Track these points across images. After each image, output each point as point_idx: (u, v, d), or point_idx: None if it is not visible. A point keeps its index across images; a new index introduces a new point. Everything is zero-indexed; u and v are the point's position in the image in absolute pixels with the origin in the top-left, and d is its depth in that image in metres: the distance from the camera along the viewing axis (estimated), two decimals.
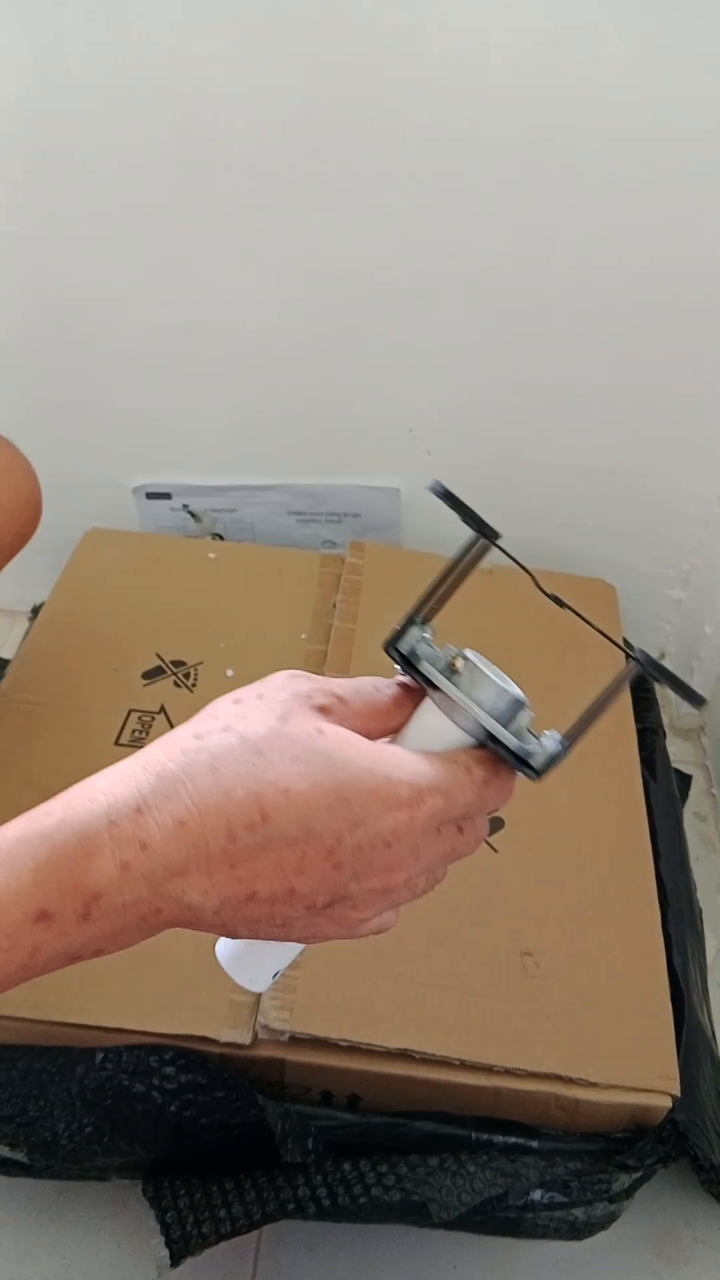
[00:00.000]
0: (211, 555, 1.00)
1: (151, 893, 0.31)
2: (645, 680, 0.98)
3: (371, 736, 0.36)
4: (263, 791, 0.32)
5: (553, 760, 0.36)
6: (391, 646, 0.37)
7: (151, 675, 0.86)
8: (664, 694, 1.15)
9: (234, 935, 0.36)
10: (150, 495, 1.10)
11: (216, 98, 0.83)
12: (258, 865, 0.32)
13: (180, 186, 0.88)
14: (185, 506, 1.11)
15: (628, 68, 0.78)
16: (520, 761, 0.36)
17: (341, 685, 0.37)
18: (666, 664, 1.25)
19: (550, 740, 0.36)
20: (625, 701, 0.87)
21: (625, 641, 0.33)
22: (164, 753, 0.33)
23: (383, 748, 0.35)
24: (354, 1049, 0.62)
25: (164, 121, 0.84)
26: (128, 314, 0.96)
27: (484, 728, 0.35)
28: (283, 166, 0.86)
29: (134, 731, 0.81)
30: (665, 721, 0.98)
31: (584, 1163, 0.64)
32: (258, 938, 0.35)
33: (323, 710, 0.35)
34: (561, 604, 0.38)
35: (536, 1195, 0.64)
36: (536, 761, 0.35)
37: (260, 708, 0.35)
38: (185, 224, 0.91)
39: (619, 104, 0.80)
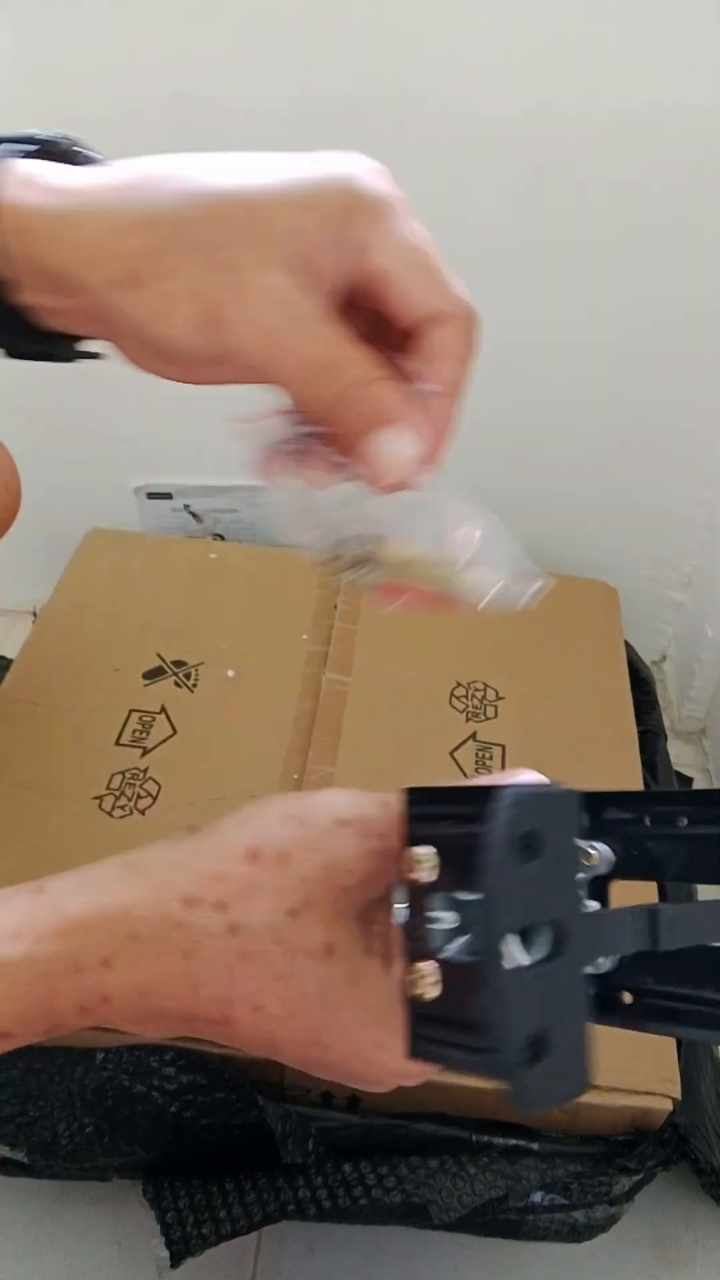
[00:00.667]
0: (213, 555, 1.00)
1: (109, 1026, 0.30)
2: (647, 683, 0.98)
3: None
4: (233, 1000, 0.28)
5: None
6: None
7: (152, 675, 0.86)
8: (665, 697, 1.15)
9: None
10: (151, 495, 1.10)
11: (215, 97, 0.83)
12: (217, 1034, 0.30)
13: None
14: (186, 507, 1.11)
15: (628, 67, 0.78)
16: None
17: (386, 813, 0.29)
18: (667, 666, 1.24)
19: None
20: (627, 704, 0.86)
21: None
22: (147, 910, 0.29)
23: (391, 991, 0.28)
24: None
25: (162, 121, 0.84)
26: None
27: None
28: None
29: (134, 731, 0.81)
30: (667, 724, 0.98)
31: (584, 1165, 0.64)
32: None
33: (360, 886, 0.29)
34: None
35: (537, 1197, 0.64)
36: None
37: (275, 883, 0.28)
38: None
39: (620, 104, 0.80)
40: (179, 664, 0.87)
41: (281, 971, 0.28)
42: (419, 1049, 0.26)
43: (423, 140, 0.83)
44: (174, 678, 0.86)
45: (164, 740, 0.80)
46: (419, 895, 0.26)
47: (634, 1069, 0.63)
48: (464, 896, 0.25)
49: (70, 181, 0.30)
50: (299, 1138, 0.63)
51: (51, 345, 0.33)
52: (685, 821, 0.28)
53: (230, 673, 0.87)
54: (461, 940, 0.25)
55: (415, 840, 0.26)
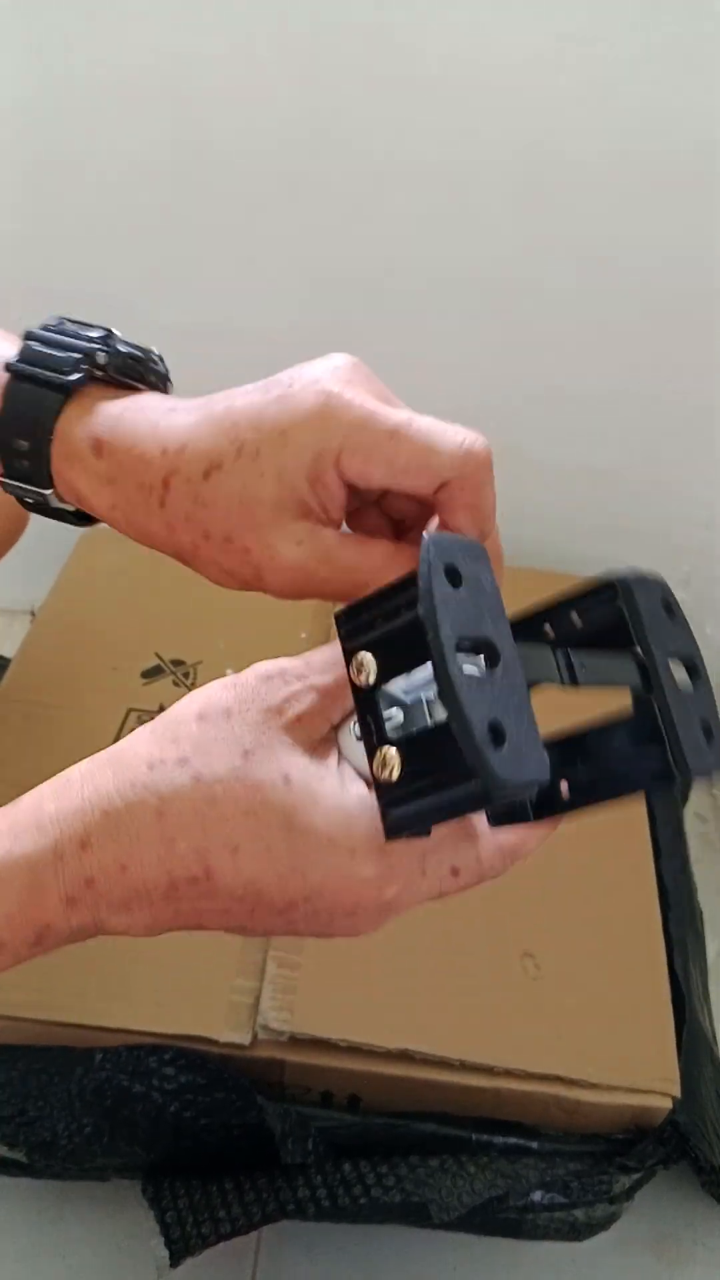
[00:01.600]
0: None
1: (96, 920, 0.31)
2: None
3: None
4: (208, 848, 0.30)
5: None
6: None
7: (151, 674, 0.86)
8: None
9: None
10: None
11: (216, 100, 0.83)
12: (202, 908, 0.31)
13: (180, 189, 0.88)
14: None
15: (627, 72, 0.78)
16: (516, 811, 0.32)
17: (322, 670, 0.33)
18: None
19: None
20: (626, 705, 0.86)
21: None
22: (115, 782, 0.31)
23: (351, 803, 0.31)
24: (354, 1049, 0.62)
25: (164, 124, 0.84)
26: (127, 315, 0.95)
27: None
28: (283, 169, 0.86)
29: (133, 730, 0.81)
30: None
31: (584, 1164, 0.64)
32: None
33: (298, 722, 0.32)
34: None
35: (537, 1196, 0.63)
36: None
37: (226, 734, 0.31)
38: (185, 226, 0.90)
39: (619, 106, 0.80)
40: (177, 663, 0.87)
41: (248, 807, 0.30)
42: (394, 825, 0.29)
43: (423, 140, 0.83)
44: (172, 677, 0.86)
45: None
46: (365, 700, 0.30)
47: (634, 1067, 0.63)
48: (405, 694, 0.30)
49: (119, 475, 0.36)
50: (298, 1137, 0.63)
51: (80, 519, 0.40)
52: (578, 620, 0.34)
53: (229, 672, 0.86)
54: (413, 729, 0.29)
55: (352, 650, 0.30)
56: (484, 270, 0.90)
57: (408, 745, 0.29)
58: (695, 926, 0.81)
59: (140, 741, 0.32)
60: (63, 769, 0.81)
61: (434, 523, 0.36)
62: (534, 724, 0.27)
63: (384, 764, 0.29)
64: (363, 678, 0.29)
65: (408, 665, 0.29)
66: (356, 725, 0.31)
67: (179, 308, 0.95)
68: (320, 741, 0.32)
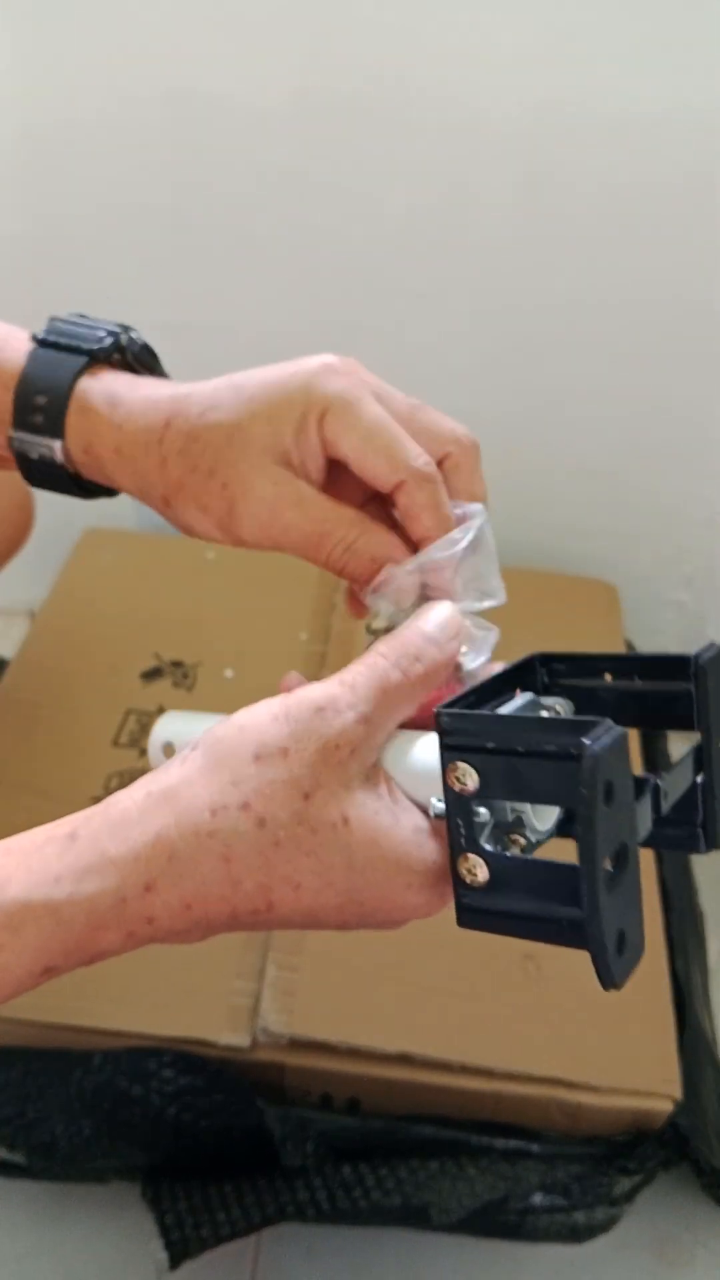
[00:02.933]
0: (210, 555, 1.00)
1: (152, 941, 0.32)
2: None
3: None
4: (271, 885, 0.31)
5: None
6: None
7: (150, 675, 0.86)
8: None
9: None
10: None
11: (216, 98, 0.82)
12: (257, 925, 0.33)
13: (179, 187, 0.88)
14: None
15: (630, 69, 0.78)
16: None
17: (368, 697, 0.33)
18: None
19: None
20: None
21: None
22: (178, 828, 0.31)
23: (407, 837, 0.32)
24: (354, 1052, 0.62)
25: (163, 121, 0.84)
26: (126, 314, 0.96)
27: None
28: (282, 168, 0.86)
29: (132, 732, 0.80)
30: None
31: (585, 1166, 0.64)
32: None
33: (352, 755, 0.32)
34: None
35: (537, 1199, 0.63)
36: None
37: (285, 775, 0.31)
38: (184, 224, 0.90)
39: (621, 101, 0.79)
40: (177, 664, 0.87)
41: (310, 848, 0.31)
42: (470, 920, 0.32)
43: (423, 138, 0.83)
44: (172, 678, 0.86)
45: None
46: (459, 803, 0.31)
47: (635, 1070, 0.63)
48: (505, 803, 0.31)
49: (126, 421, 0.39)
50: (298, 1140, 0.63)
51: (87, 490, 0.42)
52: (639, 680, 0.35)
53: (228, 673, 0.86)
54: (494, 823, 0.31)
55: (455, 757, 0.31)
56: (483, 273, 0.90)
57: (498, 863, 0.30)
58: (696, 928, 0.80)
59: (198, 782, 0.32)
60: (60, 769, 0.80)
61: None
62: (642, 920, 0.30)
63: (471, 870, 0.31)
64: (462, 786, 0.30)
65: (512, 795, 0.30)
66: (415, 767, 0.33)
67: (176, 307, 0.95)
68: (371, 768, 0.33)
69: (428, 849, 0.32)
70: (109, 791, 0.75)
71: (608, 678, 0.36)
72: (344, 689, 0.32)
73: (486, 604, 0.37)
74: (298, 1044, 0.62)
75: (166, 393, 0.39)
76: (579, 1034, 0.64)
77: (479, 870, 0.30)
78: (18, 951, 0.30)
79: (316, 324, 0.95)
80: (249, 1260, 0.71)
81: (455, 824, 0.31)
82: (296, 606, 0.93)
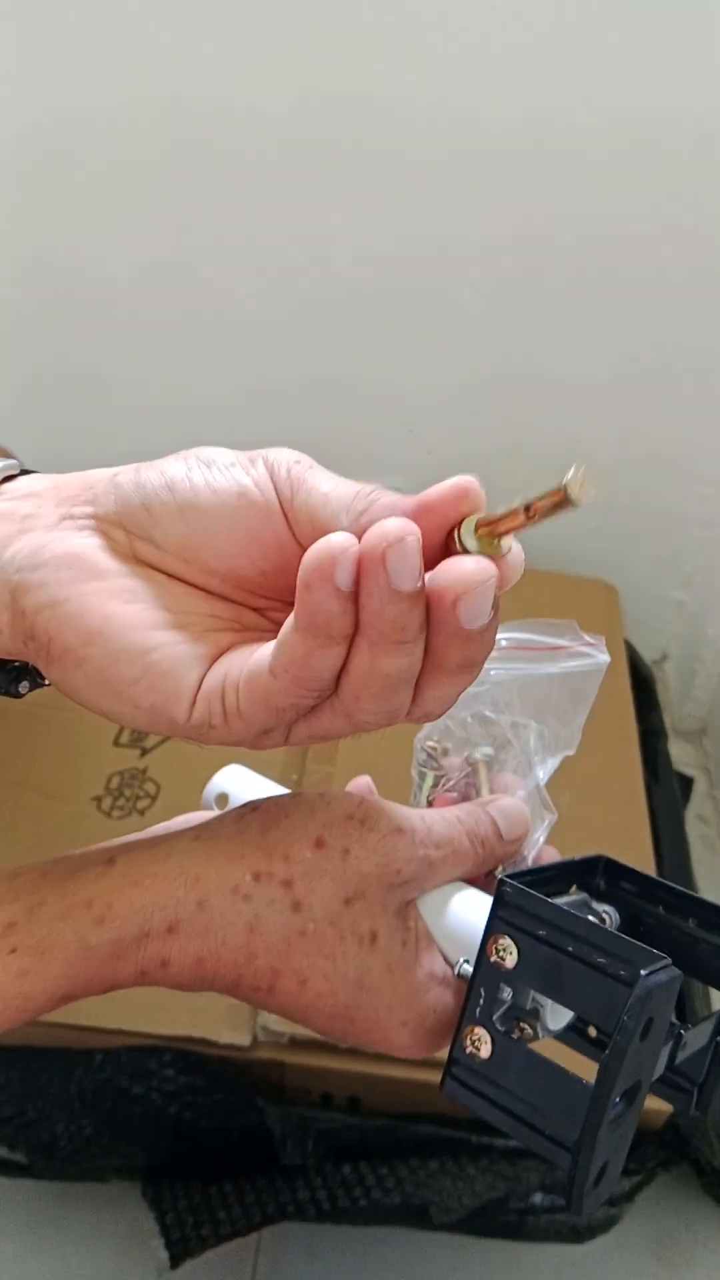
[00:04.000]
0: None
1: (155, 985, 0.33)
2: (648, 682, 0.98)
3: None
4: (282, 972, 0.31)
5: None
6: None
7: None
8: (666, 696, 1.14)
9: None
10: None
11: (216, 98, 0.83)
12: (254, 1001, 0.33)
13: (180, 187, 0.88)
14: None
15: (628, 59, 0.78)
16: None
17: (439, 844, 0.33)
18: (668, 665, 1.23)
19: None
20: (627, 704, 0.86)
21: None
22: (216, 880, 0.31)
23: (420, 980, 0.32)
24: (354, 1051, 0.62)
25: (164, 121, 0.84)
26: (127, 313, 0.96)
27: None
28: (282, 166, 0.86)
29: (133, 732, 0.81)
30: (667, 723, 0.98)
31: None
32: None
33: (402, 885, 0.32)
34: None
35: (537, 1198, 0.63)
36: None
37: (337, 872, 0.31)
38: (185, 224, 0.90)
39: (620, 94, 0.80)
40: None
41: (331, 951, 0.31)
42: (451, 1093, 0.31)
43: (422, 140, 0.83)
44: None
45: (163, 740, 0.80)
46: (490, 974, 0.30)
47: None
48: (531, 994, 0.30)
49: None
50: (298, 1139, 0.63)
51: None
52: (694, 923, 0.33)
53: None
54: (510, 1012, 0.30)
55: (502, 929, 0.30)
56: (483, 273, 0.90)
57: (506, 1047, 0.29)
58: None
59: (251, 844, 0.32)
60: (61, 769, 0.80)
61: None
62: (627, 1148, 0.29)
63: (476, 1041, 0.30)
64: (501, 961, 0.30)
65: (545, 989, 0.29)
66: (450, 920, 0.33)
67: (177, 306, 0.95)
68: (408, 904, 0.33)
69: (435, 996, 0.32)
70: (110, 791, 0.75)
71: (661, 909, 0.34)
72: (424, 827, 0.33)
73: (565, 754, 0.36)
74: (298, 1043, 0.62)
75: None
76: None
77: (483, 1046, 0.30)
78: (44, 978, 0.31)
79: (317, 322, 0.95)
80: (249, 1260, 0.71)
81: (477, 993, 0.30)
82: None
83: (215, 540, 0.28)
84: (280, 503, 0.28)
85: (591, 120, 0.81)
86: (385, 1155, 0.64)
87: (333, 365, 0.98)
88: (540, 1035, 0.31)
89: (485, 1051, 0.30)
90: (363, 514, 0.27)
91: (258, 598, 0.30)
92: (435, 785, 0.36)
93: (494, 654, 0.32)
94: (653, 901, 0.34)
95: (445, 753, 0.37)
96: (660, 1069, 0.30)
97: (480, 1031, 0.30)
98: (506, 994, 0.30)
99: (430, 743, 0.37)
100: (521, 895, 0.30)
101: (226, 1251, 0.63)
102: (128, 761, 0.78)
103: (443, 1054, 0.32)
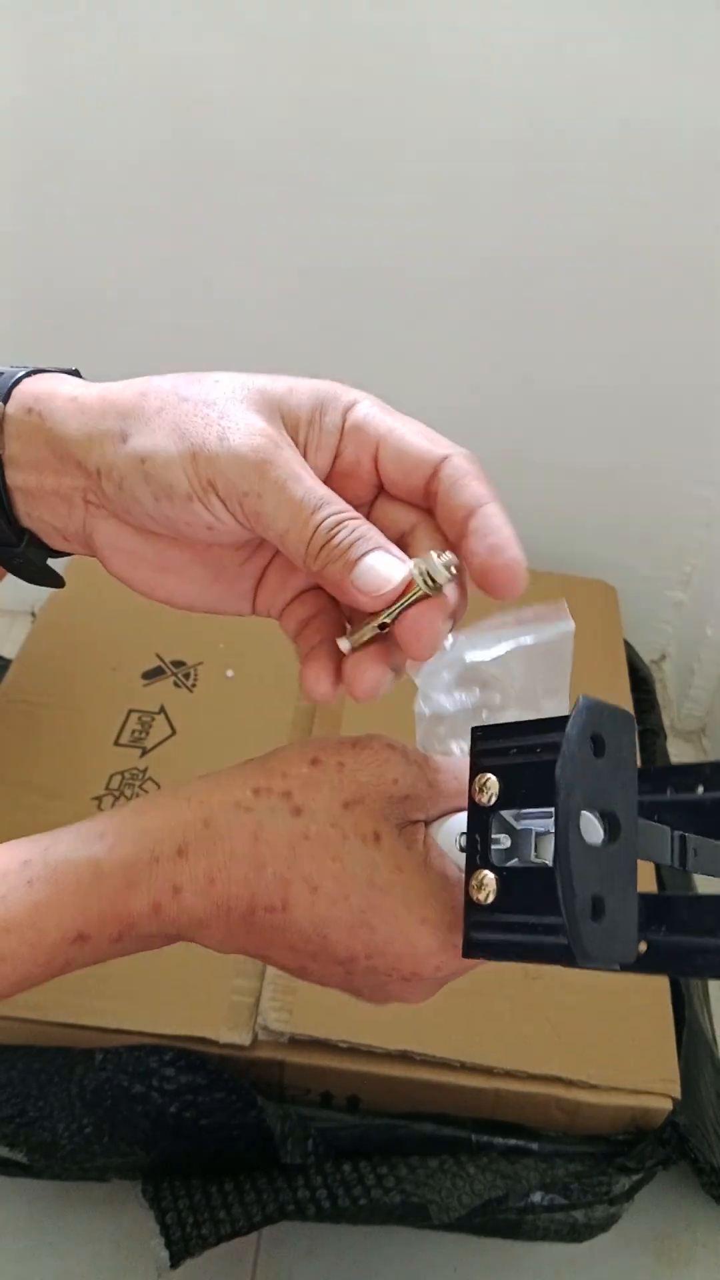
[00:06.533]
0: None
1: (174, 930, 0.32)
2: (647, 682, 0.98)
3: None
4: (291, 880, 0.31)
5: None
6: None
7: (151, 675, 0.86)
8: (665, 696, 1.15)
9: None
10: None
11: (216, 100, 0.83)
12: (273, 940, 0.32)
13: (180, 189, 0.88)
14: None
15: (627, 70, 0.78)
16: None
17: (439, 768, 0.34)
18: (667, 665, 1.24)
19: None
20: (626, 704, 0.86)
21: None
22: (219, 799, 0.32)
23: (433, 877, 0.32)
24: (354, 1050, 0.62)
25: (164, 123, 0.84)
26: (127, 315, 0.96)
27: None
28: (282, 168, 0.86)
29: (134, 732, 0.81)
30: (667, 723, 0.98)
31: (584, 1165, 0.64)
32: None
33: (401, 800, 0.33)
34: None
35: (536, 1197, 0.63)
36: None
37: (334, 781, 0.32)
38: (185, 227, 0.90)
39: (618, 105, 0.80)
40: (178, 664, 0.87)
41: (337, 853, 0.31)
42: (474, 946, 0.30)
43: (423, 142, 0.83)
44: (173, 678, 0.86)
45: (163, 740, 0.80)
46: (479, 817, 0.30)
47: (634, 1068, 0.63)
48: (518, 822, 0.31)
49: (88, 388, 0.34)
50: (298, 1138, 0.63)
51: (24, 545, 0.36)
52: (702, 789, 0.33)
53: (229, 672, 0.87)
54: (514, 859, 0.30)
55: (481, 768, 0.31)
56: (483, 274, 0.90)
57: (508, 876, 0.30)
58: None
59: (250, 770, 0.33)
60: (62, 769, 0.81)
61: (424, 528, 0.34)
62: (635, 903, 0.28)
63: (480, 885, 0.30)
64: (484, 797, 0.30)
65: (529, 803, 0.30)
66: (458, 831, 0.33)
67: (177, 309, 0.95)
68: (411, 824, 0.34)
69: (451, 894, 0.32)
70: (110, 791, 0.76)
71: (669, 791, 0.34)
72: (421, 754, 0.34)
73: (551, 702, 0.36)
74: (298, 1042, 0.63)
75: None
76: (578, 1032, 0.64)
77: (488, 886, 0.30)
78: (58, 911, 0.31)
79: (316, 324, 0.95)
80: (249, 1259, 0.71)
81: (474, 840, 0.31)
82: None
83: (189, 554, 0.34)
84: (244, 529, 0.31)
85: (591, 129, 0.81)
86: (385, 1154, 0.64)
87: (329, 372, 0.98)
88: (538, 854, 0.31)
89: (490, 890, 0.30)
90: (323, 551, 0.30)
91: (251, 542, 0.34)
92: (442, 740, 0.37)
93: (471, 633, 0.34)
94: (663, 788, 0.34)
95: (445, 752, 0.37)
96: (664, 852, 0.30)
97: (483, 874, 0.30)
98: (504, 842, 0.31)
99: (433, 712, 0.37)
100: (490, 729, 0.31)
101: (226, 1251, 0.63)
102: (128, 761, 0.78)
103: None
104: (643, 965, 0.31)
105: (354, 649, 0.32)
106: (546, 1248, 0.71)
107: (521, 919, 0.29)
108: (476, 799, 0.31)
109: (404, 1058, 0.62)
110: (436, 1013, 0.64)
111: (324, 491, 0.31)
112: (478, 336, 0.95)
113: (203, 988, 0.64)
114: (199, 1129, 0.62)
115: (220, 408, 0.31)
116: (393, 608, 0.31)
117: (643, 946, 0.31)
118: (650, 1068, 0.63)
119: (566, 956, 0.27)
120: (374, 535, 0.31)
